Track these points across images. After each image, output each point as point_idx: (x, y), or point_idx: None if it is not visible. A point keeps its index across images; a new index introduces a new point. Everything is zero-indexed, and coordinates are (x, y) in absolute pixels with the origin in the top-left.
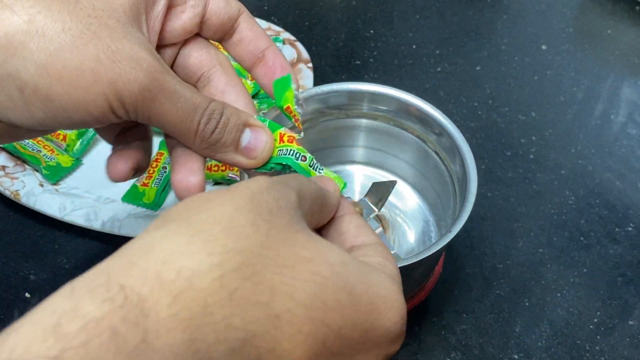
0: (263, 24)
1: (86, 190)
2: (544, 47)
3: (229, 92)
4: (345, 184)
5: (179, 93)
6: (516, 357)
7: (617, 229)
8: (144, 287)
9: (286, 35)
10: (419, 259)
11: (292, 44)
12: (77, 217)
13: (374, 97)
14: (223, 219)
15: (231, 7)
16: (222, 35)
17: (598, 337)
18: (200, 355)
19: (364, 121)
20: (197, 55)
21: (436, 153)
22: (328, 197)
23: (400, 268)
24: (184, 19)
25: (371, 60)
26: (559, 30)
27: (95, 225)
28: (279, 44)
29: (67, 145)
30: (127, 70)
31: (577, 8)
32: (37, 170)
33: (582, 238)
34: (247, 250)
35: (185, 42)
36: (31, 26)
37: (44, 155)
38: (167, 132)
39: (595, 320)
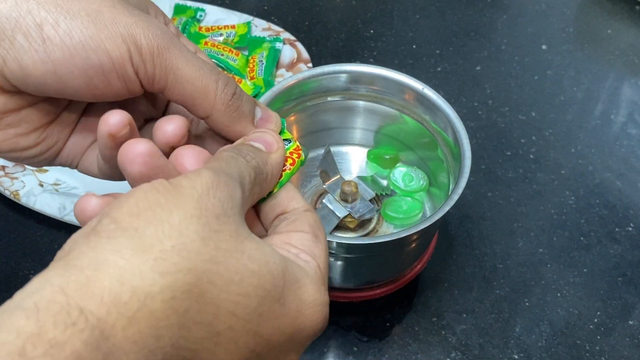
0: (263, 23)
1: (86, 191)
2: (544, 47)
3: None
4: (303, 160)
5: (192, 53)
6: (516, 357)
7: (617, 229)
8: (102, 309)
9: (286, 35)
10: (410, 232)
11: (292, 44)
12: None
13: (374, 79)
14: (173, 234)
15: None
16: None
17: (598, 337)
18: None
19: (361, 103)
20: None
21: (430, 132)
22: (266, 173)
23: (394, 241)
24: None
25: (371, 60)
26: (559, 30)
27: None
28: (279, 44)
29: None
30: (143, 19)
31: (577, 8)
32: None
33: (582, 238)
34: (197, 269)
35: None
36: None
37: None
38: (185, 97)
39: (596, 320)
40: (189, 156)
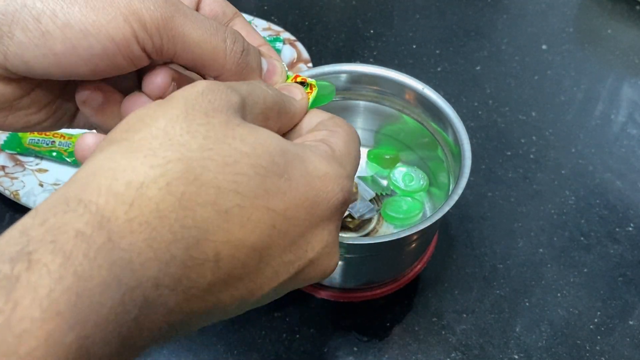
0: (263, 23)
1: None
2: (544, 46)
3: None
4: (332, 91)
5: (196, 14)
6: (516, 357)
7: (617, 229)
8: (100, 199)
9: (286, 35)
10: (410, 232)
11: (292, 44)
12: None
13: (374, 78)
14: (159, 134)
15: (228, 6)
16: None
17: (598, 337)
18: (161, 253)
19: (362, 103)
20: (210, 9)
21: (431, 132)
22: (289, 103)
23: (394, 241)
24: None
25: (371, 60)
26: (559, 30)
27: None
28: (279, 44)
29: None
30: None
31: (577, 8)
32: (61, 161)
33: (582, 238)
34: (187, 157)
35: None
36: None
37: (59, 144)
38: (195, 61)
39: (596, 320)
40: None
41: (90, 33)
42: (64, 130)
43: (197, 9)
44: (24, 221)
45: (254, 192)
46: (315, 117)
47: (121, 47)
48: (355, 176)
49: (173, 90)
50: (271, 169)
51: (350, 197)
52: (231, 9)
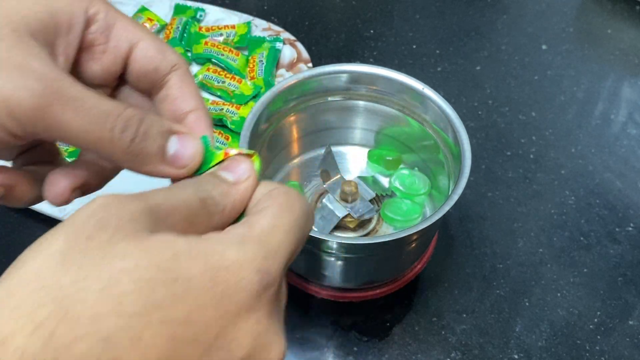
0: (263, 23)
1: None
2: (544, 46)
3: (181, 99)
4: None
5: (81, 100)
6: (516, 357)
7: (617, 229)
8: None
9: (286, 35)
10: (410, 232)
11: (292, 44)
12: None
13: (374, 78)
14: (30, 278)
15: (164, 59)
16: (149, 87)
17: (598, 337)
18: None
19: (361, 103)
20: (144, 60)
21: (431, 133)
22: (224, 198)
23: (394, 241)
24: (104, 61)
25: (371, 60)
26: (559, 30)
27: None
28: (279, 44)
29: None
30: (14, 78)
31: (577, 8)
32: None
33: (582, 238)
34: (57, 297)
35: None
36: None
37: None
38: (79, 146)
39: (596, 320)
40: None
41: None
42: None
43: (128, 59)
44: None
45: (140, 309)
46: (261, 190)
47: None
48: (356, 176)
49: (78, 195)
50: (159, 277)
51: (276, 275)
52: (169, 61)
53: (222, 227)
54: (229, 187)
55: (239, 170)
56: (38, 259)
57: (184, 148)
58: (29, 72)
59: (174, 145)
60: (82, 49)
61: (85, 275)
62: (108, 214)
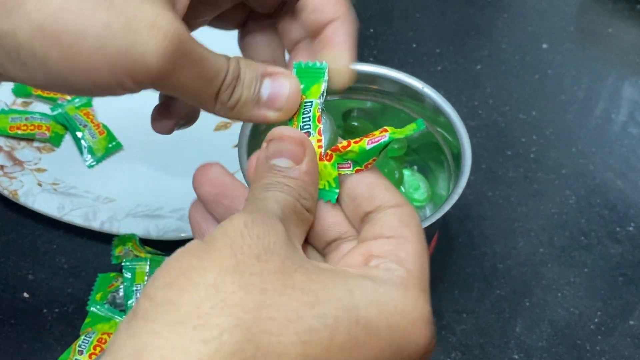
0: None
1: (85, 190)
2: (544, 45)
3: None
4: (418, 125)
5: (205, 59)
6: (516, 357)
7: (618, 229)
8: None
9: None
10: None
11: None
12: (75, 216)
13: (373, 78)
14: (209, 293)
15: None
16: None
17: (599, 337)
18: None
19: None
20: None
21: (431, 132)
22: (308, 193)
23: None
24: None
25: (371, 59)
26: (559, 29)
27: (94, 225)
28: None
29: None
30: (145, 40)
31: (578, 7)
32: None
33: (582, 238)
34: (243, 323)
35: None
36: None
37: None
38: (184, 99)
39: (596, 320)
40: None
41: (68, 76)
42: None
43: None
44: None
45: (326, 351)
46: (374, 188)
47: (103, 90)
48: None
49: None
50: (342, 316)
51: (435, 341)
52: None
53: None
54: (297, 171)
55: (292, 150)
56: (209, 274)
57: (278, 88)
58: (160, 31)
59: (267, 89)
60: None
61: (269, 304)
62: (264, 232)
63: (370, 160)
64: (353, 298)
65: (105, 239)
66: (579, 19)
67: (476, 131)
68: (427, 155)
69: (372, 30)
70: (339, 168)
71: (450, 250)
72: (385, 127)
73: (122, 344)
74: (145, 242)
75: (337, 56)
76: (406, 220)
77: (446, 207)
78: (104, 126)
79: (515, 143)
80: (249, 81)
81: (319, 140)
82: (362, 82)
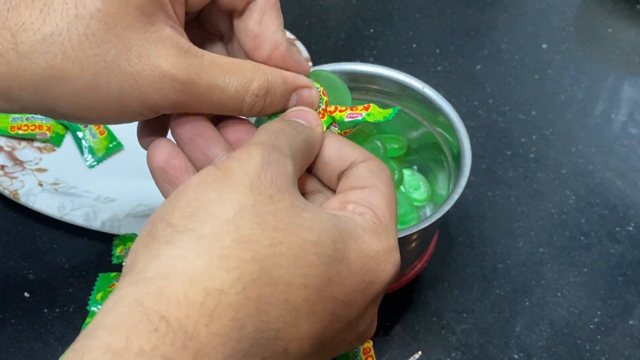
0: None
1: (86, 190)
2: (544, 46)
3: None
4: (392, 112)
5: (214, 88)
6: (516, 356)
7: (617, 229)
8: (181, 313)
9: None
10: (410, 232)
11: (291, 43)
12: (76, 216)
13: (373, 78)
14: (230, 228)
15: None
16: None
17: (598, 336)
18: None
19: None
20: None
21: (431, 132)
22: (313, 142)
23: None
24: None
25: (371, 59)
26: (559, 29)
27: (95, 224)
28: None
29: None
30: (153, 92)
31: (577, 7)
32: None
33: (582, 237)
34: (261, 256)
35: None
36: (51, 72)
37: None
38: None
39: (596, 320)
40: (237, 131)
41: (106, 120)
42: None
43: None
44: (108, 340)
45: (320, 283)
46: (342, 149)
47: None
48: None
49: None
50: (334, 256)
51: (399, 269)
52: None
53: (305, 167)
54: (310, 129)
55: (311, 118)
56: (229, 207)
57: (303, 104)
58: (164, 78)
59: (293, 102)
60: None
61: (281, 241)
62: (278, 173)
63: (347, 130)
64: (343, 241)
65: (106, 239)
66: (579, 19)
67: (476, 131)
68: (427, 155)
69: (372, 31)
70: (331, 125)
71: (450, 250)
72: (369, 104)
73: (147, 264)
74: None
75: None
76: (376, 172)
77: (446, 207)
78: (105, 126)
79: (515, 143)
80: (278, 99)
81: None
82: (362, 82)
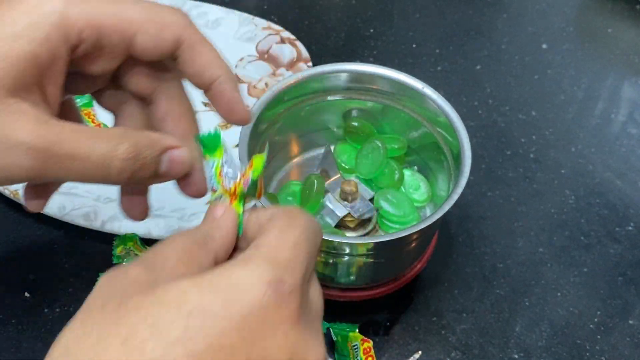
0: (263, 22)
1: (86, 190)
2: (544, 46)
3: (168, 120)
4: (262, 164)
5: (80, 153)
6: (516, 356)
7: (617, 229)
8: None
9: (286, 34)
10: (410, 232)
11: (291, 43)
12: (76, 216)
13: (373, 78)
14: (61, 351)
15: (164, 37)
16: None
17: (598, 336)
18: None
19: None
20: (135, 82)
21: (431, 132)
22: (209, 239)
23: (394, 240)
24: (101, 62)
25: (371, 59)
26: (559, 29)
27: (95, 224)
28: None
29: None
30: (8, 161)
31: (577, 7)
32: None
33: (582, 237)
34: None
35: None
36: None
37: None
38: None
39: (596, 319)
40: None
41: None
42: None
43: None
44: None
45: (161, 352)
46: (264, 215)
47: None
48: (355, 175)
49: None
50: (173, 316)
51: (293, 283)
52: (169, 36)
53: (223, 256)
54: (215, 232)
55: (215, 209)
56: (63, 333)
57: (176, 164)
58: (17, 150)
59: (165, 164)
60: (75, 61)
61: (107, 334)
62: (114, 283)
63: (255, 195)
64: (184, 295)
65: (106, 239)
66: (579, 19)
67: (476, 131)
68: (427, 155)
69: (372, 31)
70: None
71: (450, 250)
72: (251, 159)
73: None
74: (147, 241)
75: (234, 108)
76: (276, 215)
77: (446, 207)
78: (105, 126)
79: (514, 143)
80: (149, 162)
81: (227, 191)
82: (362, 82)
